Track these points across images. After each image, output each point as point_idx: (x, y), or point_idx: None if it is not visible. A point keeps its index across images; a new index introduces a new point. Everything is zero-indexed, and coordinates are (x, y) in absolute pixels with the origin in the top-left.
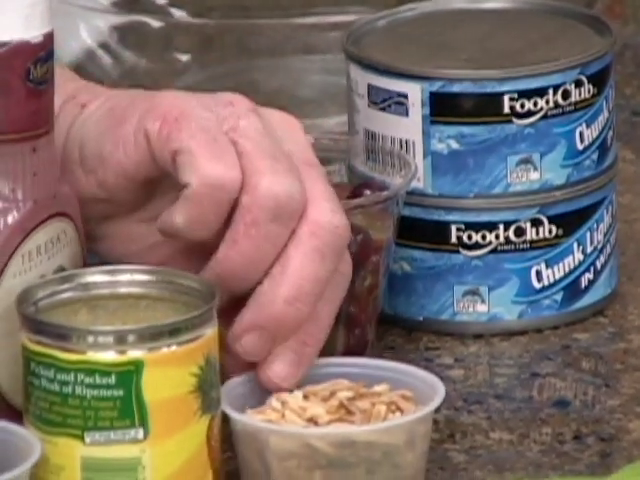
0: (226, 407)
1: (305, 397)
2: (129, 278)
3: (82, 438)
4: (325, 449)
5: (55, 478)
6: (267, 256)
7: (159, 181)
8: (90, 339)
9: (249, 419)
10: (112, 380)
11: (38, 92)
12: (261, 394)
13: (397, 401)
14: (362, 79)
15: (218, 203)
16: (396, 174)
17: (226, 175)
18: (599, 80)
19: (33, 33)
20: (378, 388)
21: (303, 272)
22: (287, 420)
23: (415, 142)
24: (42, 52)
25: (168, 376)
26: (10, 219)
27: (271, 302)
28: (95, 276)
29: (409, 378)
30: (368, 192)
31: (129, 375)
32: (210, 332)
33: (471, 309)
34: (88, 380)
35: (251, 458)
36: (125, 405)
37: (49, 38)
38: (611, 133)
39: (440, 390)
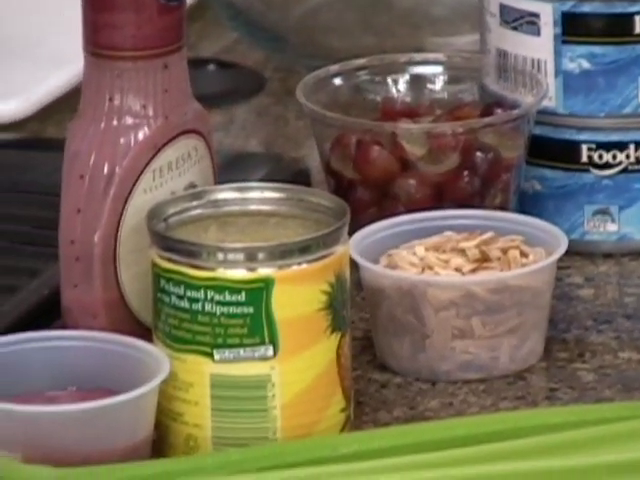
0: (369, 264)
1: (427, 251)
2: (259, 195)
3: (211, 355)
4: (483, 295)
5: (184, 395)
6: None
7: None
8: (220, 256)
9: (404, 274)
10: (242, 297)
11: (169, 8)
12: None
13: (518, 245)
14: None
15: None
16: (527, 93)
17: None
18: None
19: None
20: (486, 236)
21: None
22: (437, 272)
23: (547, 61)
24: None
25: (298, 294)
26: (141, 135)
27: None
28: (225, 193)
29: (508, 224)
30: (499, 110)
31: (259, 292)
32: (341, 250)
33: (601, 228)
34: (218, 297)
35: (400, 314)
36: (255, 322)
37: None
38: None
39: (558, 237)
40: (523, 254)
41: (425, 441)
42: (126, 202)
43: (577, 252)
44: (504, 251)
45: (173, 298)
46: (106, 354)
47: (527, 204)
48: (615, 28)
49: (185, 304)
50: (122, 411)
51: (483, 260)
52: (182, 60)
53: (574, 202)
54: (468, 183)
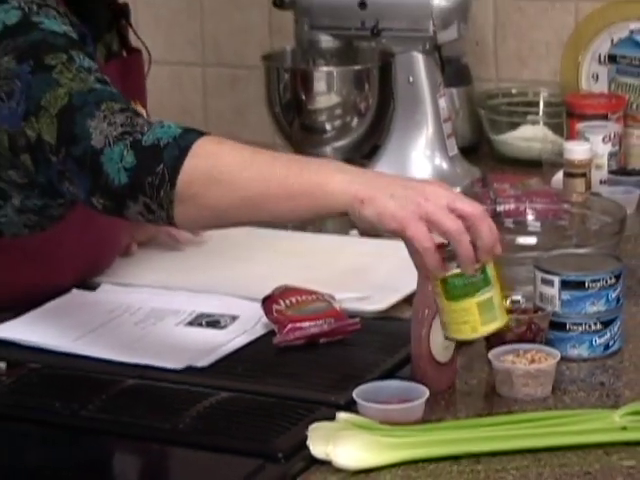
0: (497, 362)
1: (514, 357)
2: None
3: None
4: (533, 372)
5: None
6: None
7: None
8: None
9: (507, 365)
10: None
11: None
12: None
13: (544, 357)
14: None
15: None
16: (550, 309)
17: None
18: None
19: None
20: (533, 352)
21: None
22: (518, 363)
23: (557, 306)
24: None
25: None
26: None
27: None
28: None
29: (542, 348)
30: (540, 312)
31: None
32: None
33: (574, 352)
34: None
35: (504, 378)
36: None
37: None
38: None
39: (557, 353)
40: (546, 359)
41: (506, 420)
42: (430, 326)
43: (565, 358)
44: (539, 357)
45: None
46: (412, 386)
47: (547, 342)
48: None
49: None
50: (414, 409)
51: (532, 361)
52: None
53: (563, 342)
54: (529, 336)
